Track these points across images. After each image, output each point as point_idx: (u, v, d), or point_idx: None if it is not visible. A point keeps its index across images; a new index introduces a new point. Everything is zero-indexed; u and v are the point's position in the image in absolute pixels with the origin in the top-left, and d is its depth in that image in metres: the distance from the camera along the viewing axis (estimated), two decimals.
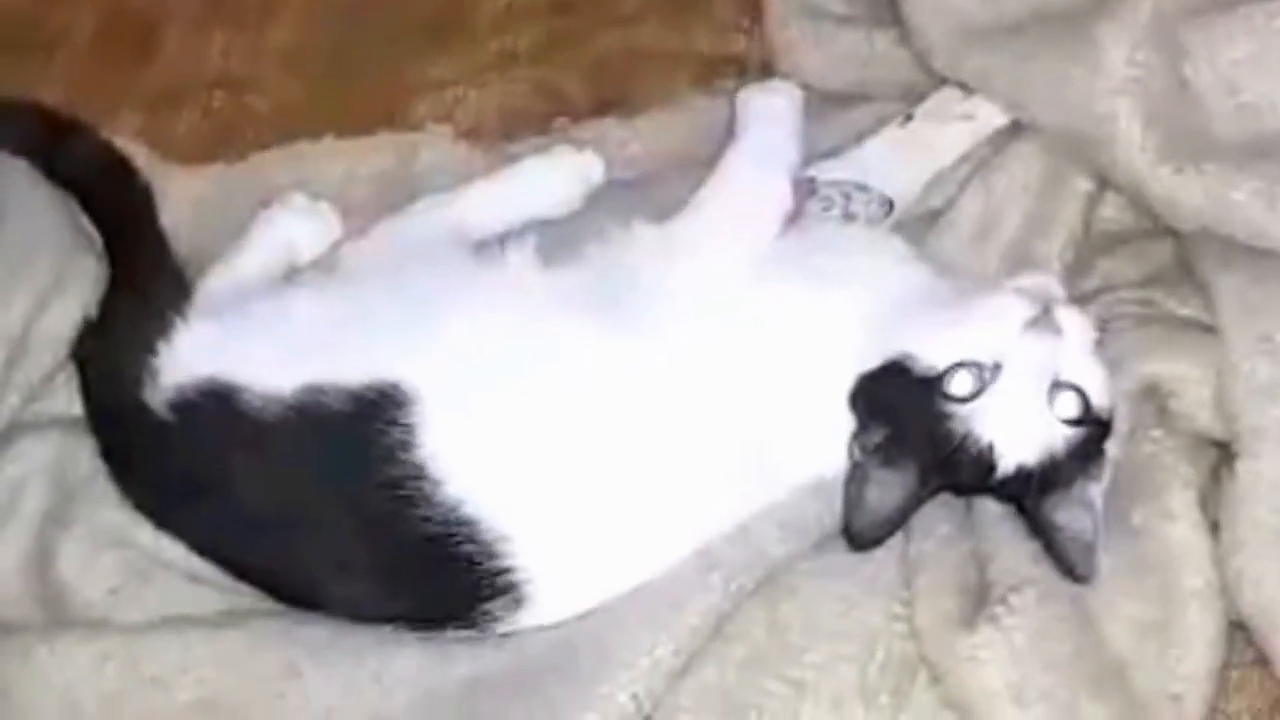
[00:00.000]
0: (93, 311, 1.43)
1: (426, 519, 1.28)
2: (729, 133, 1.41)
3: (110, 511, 1.38)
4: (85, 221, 1.49)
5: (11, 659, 1.31)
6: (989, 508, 1.30)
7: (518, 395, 1.30)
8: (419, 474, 1.28)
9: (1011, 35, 1.41)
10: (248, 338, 1.35)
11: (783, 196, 1.37)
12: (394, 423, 1.28)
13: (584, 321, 1.32)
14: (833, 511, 1.30)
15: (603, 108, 1.57)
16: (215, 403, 1.31)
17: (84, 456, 1.40)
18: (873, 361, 1.29)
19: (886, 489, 1.28)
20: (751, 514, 1.32)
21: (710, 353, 1.31)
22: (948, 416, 1.26)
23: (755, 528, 1.32)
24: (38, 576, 1.36)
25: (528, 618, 1.30)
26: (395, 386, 1.29)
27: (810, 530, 1.32)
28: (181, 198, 1.53)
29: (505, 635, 1.31)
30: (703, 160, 1.42)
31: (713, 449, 1.30)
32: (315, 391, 1.29)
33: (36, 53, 1.64)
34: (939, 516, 1.31)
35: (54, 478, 1.40)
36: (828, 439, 1.30)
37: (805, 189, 1.41)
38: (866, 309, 1.31)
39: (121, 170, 1.50)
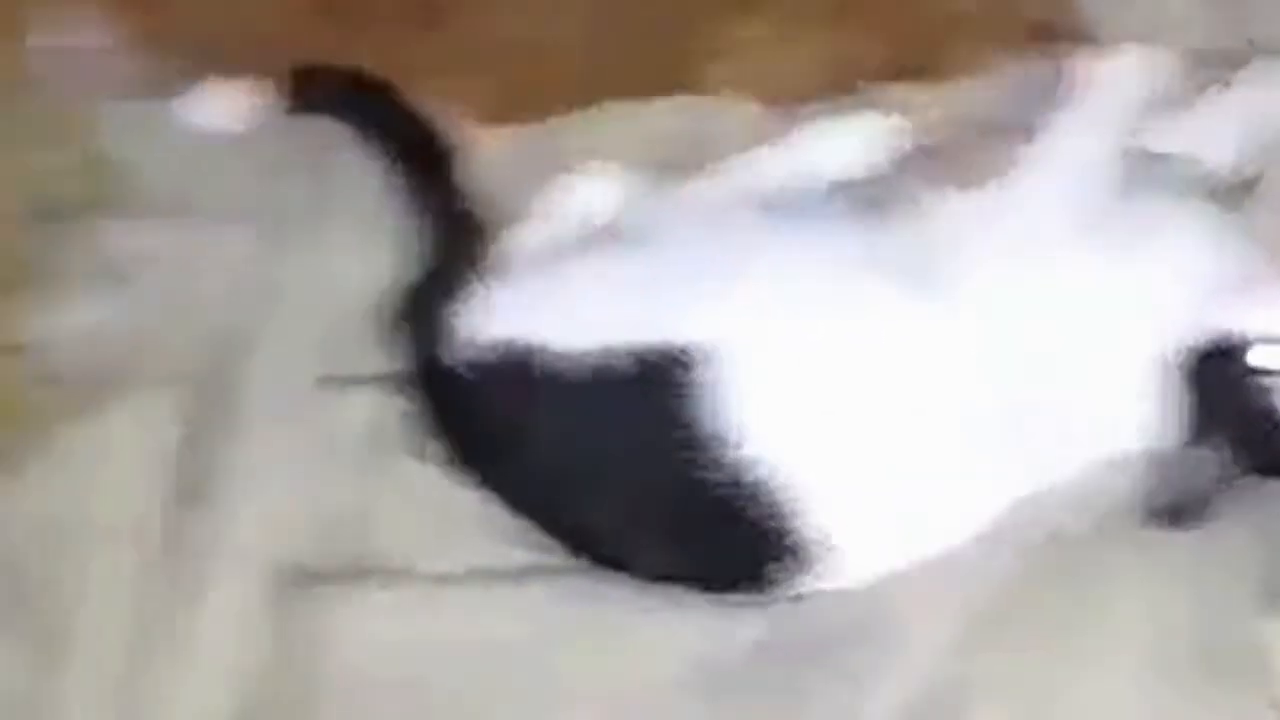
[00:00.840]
0: (402, 272, 1.45)
1: (721, 480, 1.28)
2: (1053, 99, 1.38)
3: (419, 466, 1.40)
4: (396, 184, 1.51)
5: (320, 608, 1.34)
6: None
7: (818, 356, 1.30)
8: (714, 435, 1.28)
9: None
10: (545, 299, 1.37)
11: (1109, 165, 1.34)
12: (690, 383, 1.29)
13: (890, 283, 1.31)
14: (1129, 488, 1.27)
15: (904, 73, 1.54)
16: (516, 363, 1.33)
17: (395, 413, 1.42)
18: (1185, 336, 1.26)
19: (1195, 467, 1.26)
20: (1045, 488, 1.30)
21: (1020, 321, 1.29)
22: (1262, 392, 1.22)
23: (1048, 502, 1.30)
24: (351, 524, 1.38)
25: (819, 582, 1.30)
26: (692, 346, 1.29)
27: (1103, 507, 1.30)
28: (481, 161, 1.53)
29: (794, 600, 1.31)
30: (1009, 128, 1.39)
31: (1012, 419, 1.29)
32: (612, 352, 1.30)
33: (342, 18, 1.65)
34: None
35: (369, 433, 1.42)
36: (1130, 413, 1.28)
37: (1132, 158, 1.37)
38: (1183, 282, 1.29)
39: (428, 133, 1.53)
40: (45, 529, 1.37)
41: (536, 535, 1.35)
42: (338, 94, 1.54)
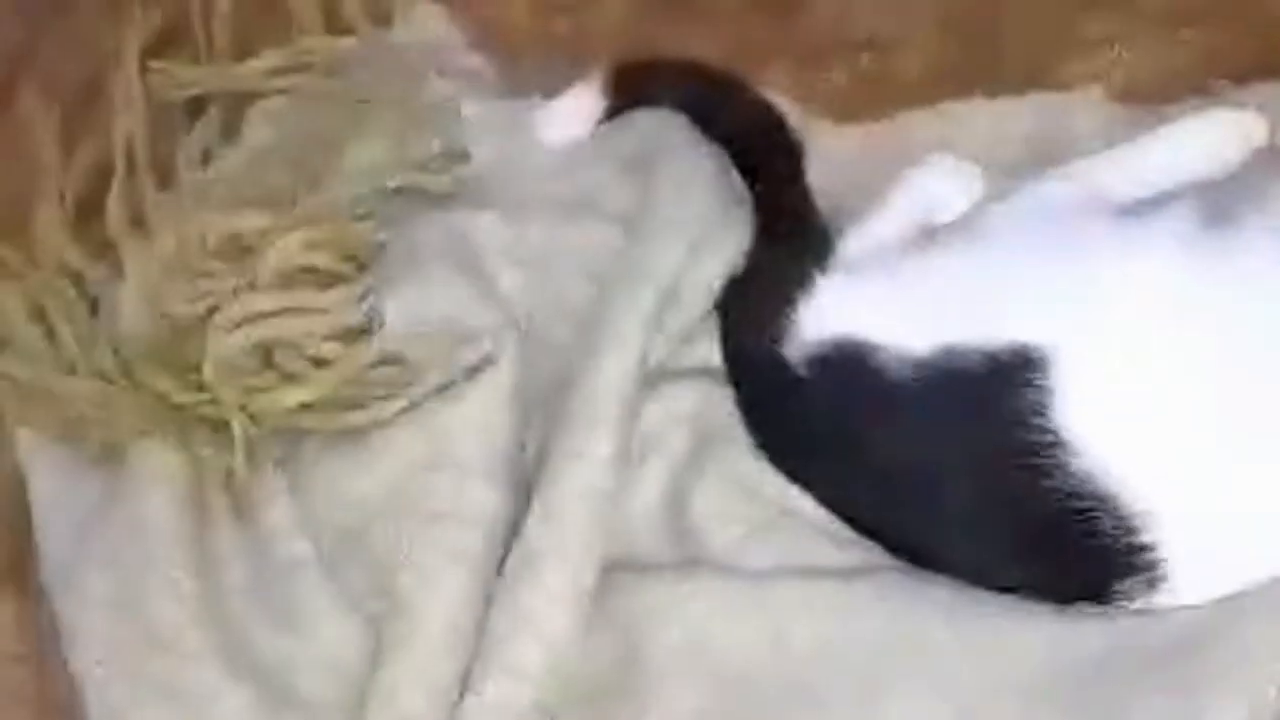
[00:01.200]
0: (738, 264, 1.45)
1: (1061, 489, 1.25)
2: None
3: (744, 460, 1.40)
4: (735, 177, 1.51)
5: (644, 596, 1.35)
6: None
7: (1165, 364, 1.26)
8: (1055, 442, 1.25)
9: None
10: (885, 296, 1.35)
11: None
12: (1030, 387, 1.26)
13: (1243, 291, 1.27)
14: None
15: (1269, 71, 1.49)
16: (851, 360, 1.32)
17: (722, 405, 1.42)
18: None
19: None
20: None
21: None
22: None
23: None
24: (674, 516, 1.39)
25: (1163, 598, 1.26)
26: (1033, 349, 1.27)
27: None
28: (826, 155, 1.52)
29: (1137, 612, 1.27)
30: None
31: None
32: (951, 353, 1.29)
33: (695, 11, 1.66)
34: None
35: (694, 423, 1.43)
36: None
37: None
38: None
39: (776, 126, 1.52)
40: (392, 508, 1.40)
41: (858, 536, 1.34)
42: (669, 88, 1.54)
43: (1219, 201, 1.34)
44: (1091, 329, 1.27)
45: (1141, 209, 1.36)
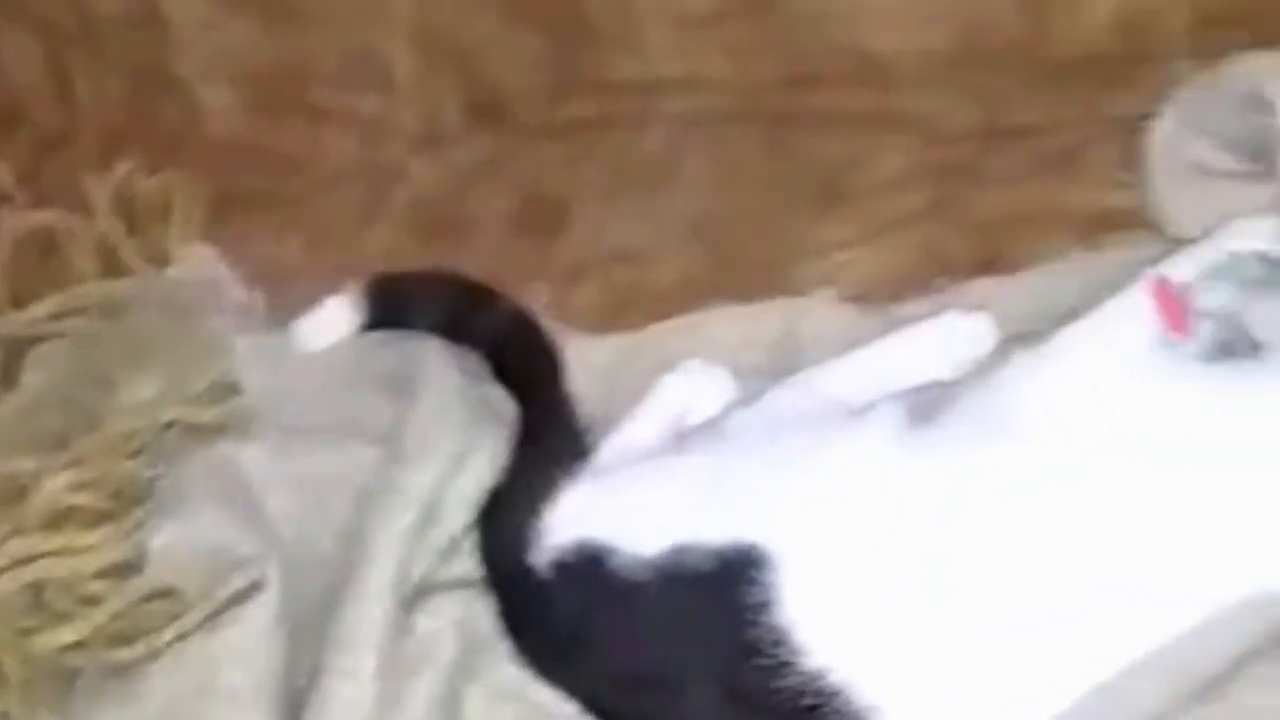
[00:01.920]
0: (499, 477, 1.50)
1: (793, 689, 1.29)
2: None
3: (509, 667, 1.44)
4: (495, 392, 1.57)
5: None
6: None
7: (881, 559, 1.31)
8: (781, 639, 1.29)
9: None
10: (622, 499, 1.40)
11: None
12: (756, 586, 1.30)
13: (947, 483, 1.32)
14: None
15: (985, 267, 1.57)
16: (589, 564, 1.37)
17: (486, 615, 1.46)
18: None
19: None
20: (1146, 653, 1.28)
21: (1097, 475, 1.29)
22: None
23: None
24: None
25: None
26: (758, 549, 1.31)
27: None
28: (585, 367, 1.59)
29: None
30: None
31: (1106, 588, 1.28)
32: (681, 553, 1.33)
33: (455, 233, 1.74)
34: None
35: (462, 633, 1.46)
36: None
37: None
38: None
39: (532, 333, 1.59)
40: None
41: None
42: (426, 298, 1.62)
43: (926, 399, 1.41)
44: (811, 527, 1.32)
45: (868, 408, 1.42)
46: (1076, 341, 1.37)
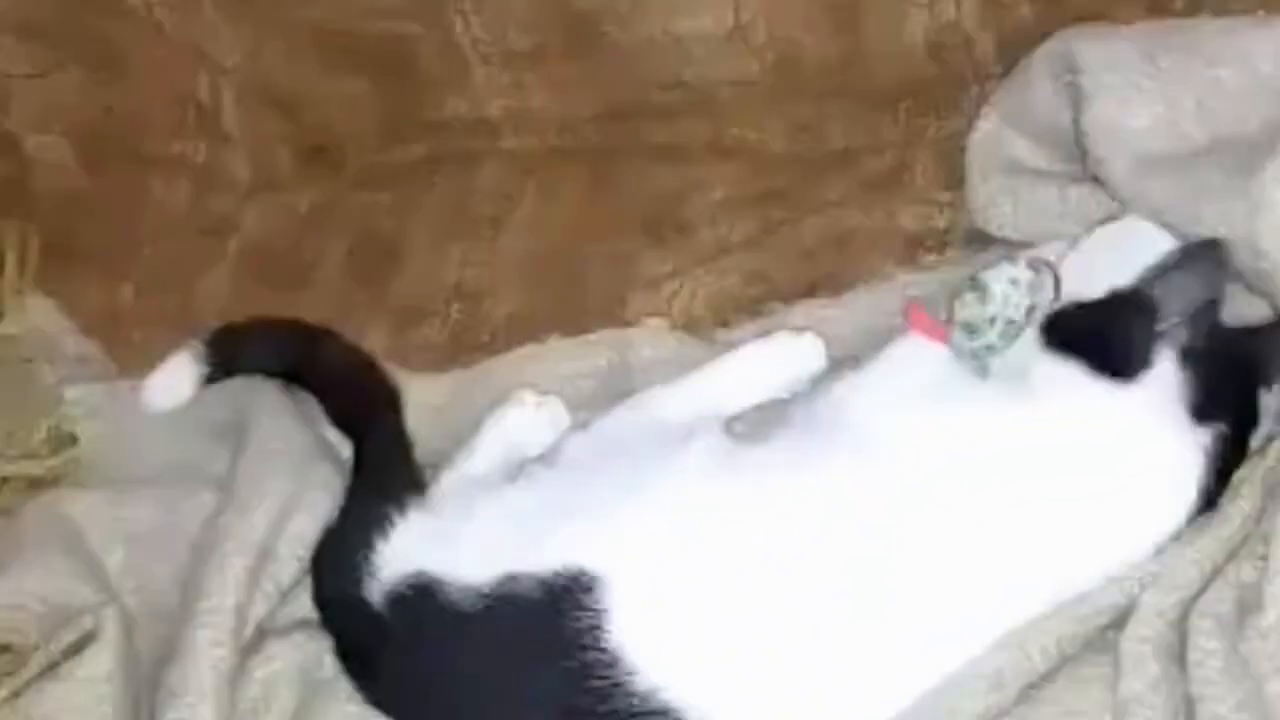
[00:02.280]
0: (334, 517, 1.50)
1: (625, 710, 1.30)
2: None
3: (352, 706, 1.43)
4: (328, 432, 1.58)
5: None
6: (1203, 645, 1.28)
7: (705, 577, 1.32)
8: (612, 661, 1.30)
9: (1190, 164, 1.42)
10: (454, 531, 1.41)
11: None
12: (586, 610, 1.31)
13: (766, 502, 1.34)
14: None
15: (812, 290, 1.60)
16: (422, 596, 1.37)
17: (325, 657, 1.46)
18: None
19: None
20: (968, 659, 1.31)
21: (911, 490, 1.33)
22: None
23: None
24: None
25: None
26: (586, 572, 1.32)
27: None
28: (420, 405, 1.60)
29: None
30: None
31: (926, 598, 1.31)
32: (510, 580, 1.34)
33: (291, 278, 1.75)
34: (1146, 654, 1.28)
35: (300, 677, 1.46)
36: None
37: None
38: None
39: (369, 375, 1.60)
40: None
41: None
42: (264, 346, 1.62)
43: (755, 419, 1.44)
44: (637, 550, 1.34)
45: (696, 431, 1.43)
46: (884, 364, 1.42)
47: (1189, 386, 1.34)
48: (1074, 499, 1.31)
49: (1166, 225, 1.42)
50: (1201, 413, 1.33)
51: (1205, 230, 1.38)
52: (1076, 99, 1.49)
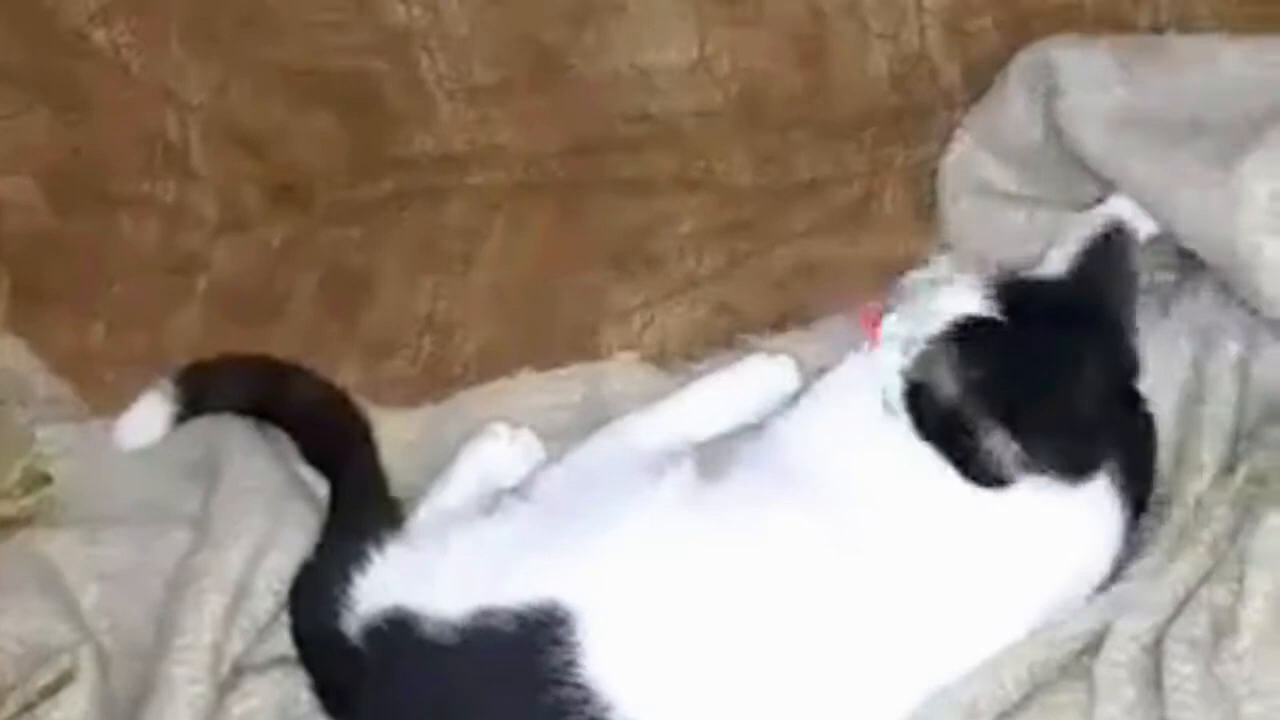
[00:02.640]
0: (309, 553, 1.50)
1: None
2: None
3: None
4: (302, 469, 1.58)
5: None
6: (1178, 669, 1.29)
7: (676, 611, 1.33)
8: (587, 696, 1.30)
9: (1170, 146, 1.44)
10: (429, 565, 1.41)
11: None
12: (560, 644, 1.31)
13: (732, 537, 1.35)
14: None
15: (782, 321, 1.61)
16: (398, 630, 1.38)
17: (303, 693, 1.46)
18: None
19: None
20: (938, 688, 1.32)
21: (859, 522, 1.34)
22: None
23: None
24: None
25: None
26: (560, 606, 1.33)
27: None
28: (393, 441, 1.60)
29: None
30: None
31: (892, 630, 1.32)
32: (484, 615, 1.34)
33: (262, 316, 1.75)
34: (1121, 679, 1.29)
35: (278, 714, 1.46)
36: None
37: None
38: None
39: (341, 410, 1.60)
40: None
41: None
42: (235, 384, 1.62)
43: (718, 451, 1.45)
44: (609, 585, 1.34)
45: (668, 463, 1.44)
46: (814, 400, 1.44)
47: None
48: (1009, 533, 1.33)
49: (1146, 207, 1.45)
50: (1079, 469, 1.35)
51: (1180, 219, 1.42)
52: (1051, 98, 1.52)
